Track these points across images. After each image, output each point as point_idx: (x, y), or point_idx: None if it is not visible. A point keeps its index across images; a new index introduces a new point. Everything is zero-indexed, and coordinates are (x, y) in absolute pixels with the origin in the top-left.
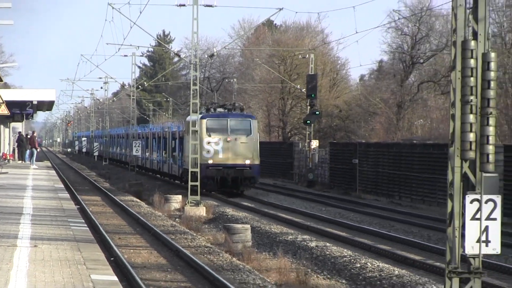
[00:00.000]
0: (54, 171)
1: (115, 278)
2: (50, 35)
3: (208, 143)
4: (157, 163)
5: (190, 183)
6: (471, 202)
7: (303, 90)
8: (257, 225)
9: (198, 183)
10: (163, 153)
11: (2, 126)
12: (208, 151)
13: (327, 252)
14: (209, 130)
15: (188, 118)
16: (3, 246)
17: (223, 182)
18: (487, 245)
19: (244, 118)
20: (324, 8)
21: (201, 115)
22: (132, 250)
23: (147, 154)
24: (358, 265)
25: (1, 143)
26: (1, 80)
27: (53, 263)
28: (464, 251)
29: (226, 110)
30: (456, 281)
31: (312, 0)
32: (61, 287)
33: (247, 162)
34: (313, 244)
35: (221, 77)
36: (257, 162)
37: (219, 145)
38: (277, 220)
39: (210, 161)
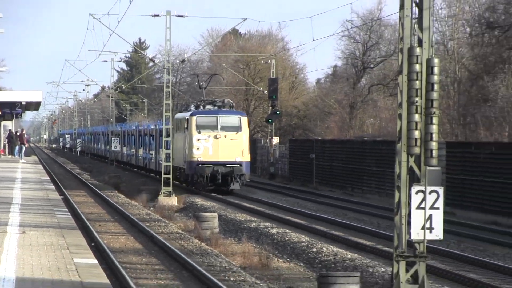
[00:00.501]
0: (40, 165)
1: (95, 261)
2: (37, 42)
3: (198, 140)
4: (143, 159)
5: (163, 176)
6: (416, 193)
7: (265, 92)
8: (223, 213)
9: (170, 176)
10: (150, 151)
11: None
12: (198, 148)
13: (287, 238)
14: (199, 127)
15: (177, 115)
16: None
17: (213, 179)
18: (431, 232)
19: (234, 115)
20: (284, 18)
21: (190, 112)
22: (111, 236)
23: (132, 151)
24: (315, 249)
25: None
26: None
27: (40, 247)
28: (410, 237)
29: (215, 107)
30: (403, 264)
31: (274, 10)
32: (47, 269)
33: (237, 159)
34: (274, 230)
35: (209, 76)
36: (247, 159)
37: (209, 142)
38: (242, 209)
39: (200, 158)
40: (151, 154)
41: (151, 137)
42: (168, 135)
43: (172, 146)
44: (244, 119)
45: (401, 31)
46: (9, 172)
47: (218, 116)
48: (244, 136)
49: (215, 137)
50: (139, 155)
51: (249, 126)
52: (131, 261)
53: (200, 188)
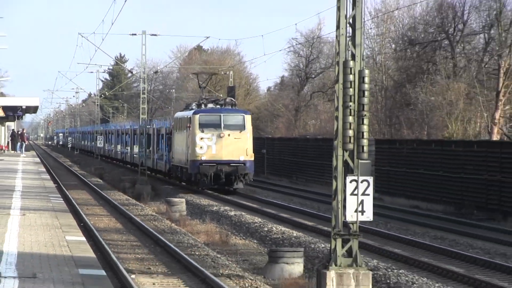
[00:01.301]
0: (38, 159)
1: (83, 238)
2: (35, 55)
3: (201, 139)
4: (120, 154)
5: (140, 167)
6: (350, 182)
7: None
8: (190, 199)
9: (145, 167)
10: (147, 149)
11: None
12: (201, 147)
13: (243, 219)
14: (202, 126)
15: (177, 114)
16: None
17: (217, 179)
18: (362, 214)
19: (237, 113)
20: (241, 35)
21: (193, 111)
22: (96, 218)
23: (113, 147)
24: (266, 229)
25: None
26: None
27: (37, 227)
28: (345, 218)
29: (217, 106)
30: (339, 241)
31: (232, 29)
32: (43, 245)
33: (241, 158)
34: (232, 213)
35: (209, 75)
36: (251, 158)
37: (212, 141)
38: (205, 195)
39: (204, 157)
40: (127, 149)
41: (127, 135)
42: (142, 134)
43: (173, 145)
44: (248, 118)
45: (338, 47)
46: (12, 164)
47: (222, 114)
48: (248, 135)
49: (219, 136)
50: (118, 150)
51: None
52: (113, 238)
53: (203, 188)
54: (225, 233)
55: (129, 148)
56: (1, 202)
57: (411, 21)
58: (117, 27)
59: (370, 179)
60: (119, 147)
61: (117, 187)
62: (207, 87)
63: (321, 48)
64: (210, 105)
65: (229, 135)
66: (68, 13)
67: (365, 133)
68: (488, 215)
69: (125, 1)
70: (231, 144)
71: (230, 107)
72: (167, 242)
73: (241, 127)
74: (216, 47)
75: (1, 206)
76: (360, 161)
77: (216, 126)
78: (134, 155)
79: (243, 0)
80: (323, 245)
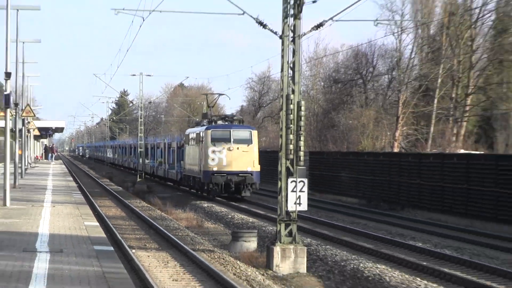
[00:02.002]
0: (64, 166)
1: (97, 223)
2: (60, 88)
3: (213, 151)
4: (150, 167)
5: (138, 171)
6: (291, 182)
7: None
8: (176, 195)
9: (143, 171)
10: (158, 160)
11: (36, 141)
12: (213, 159)
13: (213, 210)
14: (214, 140)
15: (188, 130)
16: (36, 206)
17: (227, 188)
18: (300, 205)
19: (245, 129)
20: (212, 75)
21: (205, 127)
22: (107, 208)
23: (119, 156)
24: (230, 216)
25: (36, 150)
26: (35, 116)
27: (64, 215)
28: (287, 208)
29: (226, 122)
30: (283, 225)
31: (205, 70)
32: (68, 228)
33: (249, 169)
34: (205, 205)
35: (217, 96)
36: (257, 169)
37: (222, 153)
38: (186, 192)
39: (215, 169)
40: (129, 158)
41: (130, 148)
42: (140, 148)
43: (184, 157)
44: (255, 133)
45: (282, 84)
46: (45, 169)
47: (231, 130)
48: (254, 148)
49: (229, 149)
50: (123, 159)
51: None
52: (119, 223)
53: (214, 195)
54: (200, 219)
55: (130, 157)
56: (37, 197)
57: (335, 65)
58: (121, 69)
59: (305, 180)
60: (123, 157)
61: (121, 186)
62: (206, 110)
63: (270, 85)
64: (220, 122)
65: (237, 148)
66: (85, 58)
67: (301, 147)
68: (390, 206)
69: (127, 51)
70: (239, 157)
71: (238, 123)
72: (158, 226)
73: (249, 141)
74: (194, 83)
75: (37, 200)
76: (298, 167)
77: (226, 140)
78: (134, 163)
79: (214, 48)
80: (271, 228)
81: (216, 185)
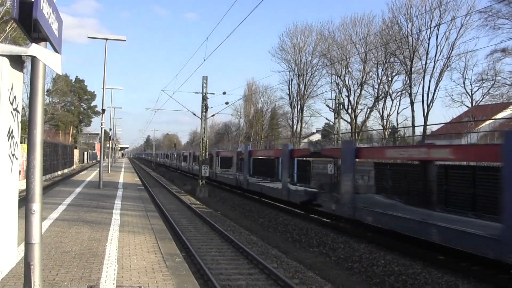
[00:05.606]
0: (133, 170)
1: (157, 214)
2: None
3: None
4: (186, 168)
5: (195, 175)
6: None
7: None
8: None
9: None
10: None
11: (120, 151)
12: None
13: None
14: None
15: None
16: (108, 211)
17: None
18: (206, 174)
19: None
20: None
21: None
22: (167, 203)
23: (180, 163)
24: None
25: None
26: (119, 142)
27: (132, 214)
28: (202, 175)
29: None
30: (200, 181)
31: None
32: (136, 224)
33: None
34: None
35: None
36: None
37: None
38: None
39: None
40: (190, 165)
41: (190, 156)
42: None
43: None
44: None
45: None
46: (118, 172)
47: None
48: None
49: None
50: (184, 166)
51: None
52: (174, 213)
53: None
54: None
55: (188, 164)
56: (109, 204)
57: None
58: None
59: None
60: (184, 164)
61: (179, 186)
62: None
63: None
64: None
65: None
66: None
67: None
68: None
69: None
70: None
71: None
72: (196, 210)
73: None
74: None
75: (109, 207)
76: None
77: None
78: (194, 169)
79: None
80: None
81: None
